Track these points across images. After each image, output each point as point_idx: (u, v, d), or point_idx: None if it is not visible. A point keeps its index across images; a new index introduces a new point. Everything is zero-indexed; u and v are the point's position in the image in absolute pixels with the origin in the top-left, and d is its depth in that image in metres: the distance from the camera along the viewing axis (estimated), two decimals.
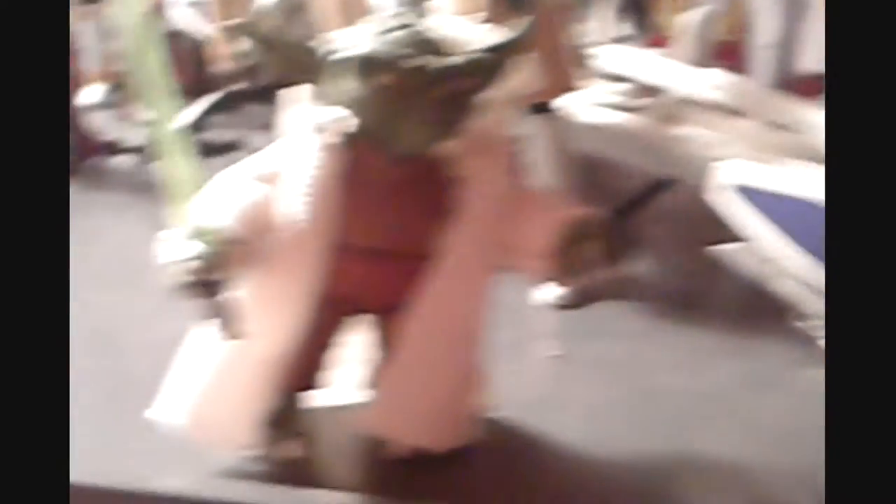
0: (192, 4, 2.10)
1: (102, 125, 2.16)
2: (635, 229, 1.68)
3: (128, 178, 1.99)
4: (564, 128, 1.52)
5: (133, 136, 2.08)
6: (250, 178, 0.97)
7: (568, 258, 0.97)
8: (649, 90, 1.76)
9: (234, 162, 1.86)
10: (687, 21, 1.80)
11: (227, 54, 2.06)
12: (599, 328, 1.42)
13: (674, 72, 1.73)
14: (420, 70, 0.90)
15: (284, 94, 1.11)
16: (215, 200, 0.92)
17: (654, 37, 2.06)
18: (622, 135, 1.66)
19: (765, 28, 1.81)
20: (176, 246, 0.88)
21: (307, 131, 0.97)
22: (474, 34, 1.02)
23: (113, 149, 1.98)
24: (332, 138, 0.96)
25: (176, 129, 0.86)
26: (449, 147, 0.97)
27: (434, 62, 0.90)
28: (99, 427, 1.09)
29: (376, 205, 0.97)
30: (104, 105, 2.46)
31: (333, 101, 0.95)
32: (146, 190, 1.89)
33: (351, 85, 0.92)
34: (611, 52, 1.81)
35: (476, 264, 0.99)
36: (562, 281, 0.99)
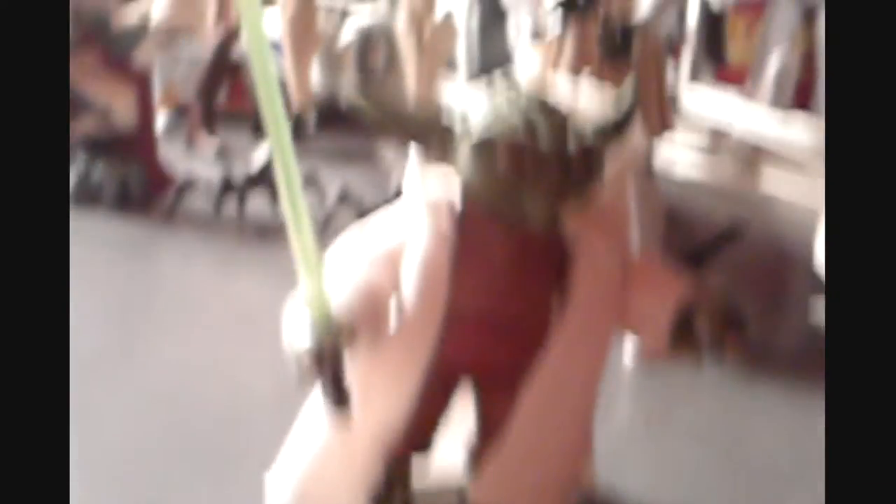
0: None
1: (171, 156, 2.15)
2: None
3: (199, 217, 1.98)
4: (657, 180, 1.50)
5: (202, 168, 2.07)
6: (368, 257, 0.96)
7: (683, 334, 0.96)
8: (732, 132, 1.75)
9: (308, 196, 1.88)
10: (767, 63, 1.80)
11: (297, 88, 2.06)
12: (682, 389, 1.41)
13: (755, 115, 1.72)
14: (548, 148, 0.89)
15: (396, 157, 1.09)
16: (334, 283, 0.91)
17: (727, 70, 2.05)
18: (704, 180, 1.64)
19: None
20: (296, 330, 0.88)
21: (423, 200, 0.96)
22: (585, 95, 1.01)
23: (186, 187, 1.97)
24: (449, 209, 0.95)
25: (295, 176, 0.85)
26: (566, 218, 0.96)
27: (560, 140, 0.89)
28: (186, 489, 1.08)
29: (492, 276, 0.96)
30: (168, 130, 2.47)
31: (453, 172, 0.94)
32: (217, 231, 1.92)
33: (477, 158, 0.91)
34: (694, 93, 1.80)
35: (592, 335, 0.98)
36: (676, 355, 0.98)
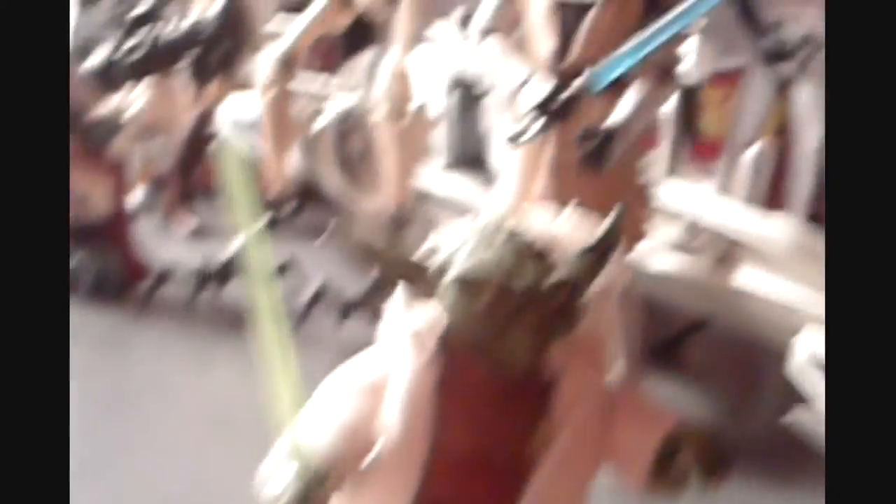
0: (240, 124, 2.09)
1: (148, 235, 2.14)
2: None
3: (175, 307, 1.97)
4: (635, 291, 1.49)
5: (178, 252, 2.06)
6: (351, 392, 0.96)
7: (665, 470, 0.96)
8: (708, 229, 1.75)
9: (287, 284, 1.86)
10: (743, 159, 1.80)
11: (274, 174, 2.06)
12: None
13: (732, 213, 1.71)
14: (528, 288, 0.89)
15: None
16: (318, 422, 0.91)
17: (699, 145, 2.04)
18: (678, 277, 1.64)
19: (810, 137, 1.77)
20: (276, 473, 0.88)
21: (406, 337, 0.96)
22: (564, 228, 1.01)
23: (163, 278, 1.96)
24: (430, 346, 0.95)
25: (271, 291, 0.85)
26: (549, 353, 0.96)
27: (542, 278, 0.90)
28: None
29: (475, 412, 0.96)
30: (144, 206, 2.46)
31: (435, 309, 0.95)
32: (194, 321, 1.90)
33: (456, 298, 0.91)
34: (670, 188, 1.80)
35: (576, 466, 0.98)
36: (656, 489, 0.98)
